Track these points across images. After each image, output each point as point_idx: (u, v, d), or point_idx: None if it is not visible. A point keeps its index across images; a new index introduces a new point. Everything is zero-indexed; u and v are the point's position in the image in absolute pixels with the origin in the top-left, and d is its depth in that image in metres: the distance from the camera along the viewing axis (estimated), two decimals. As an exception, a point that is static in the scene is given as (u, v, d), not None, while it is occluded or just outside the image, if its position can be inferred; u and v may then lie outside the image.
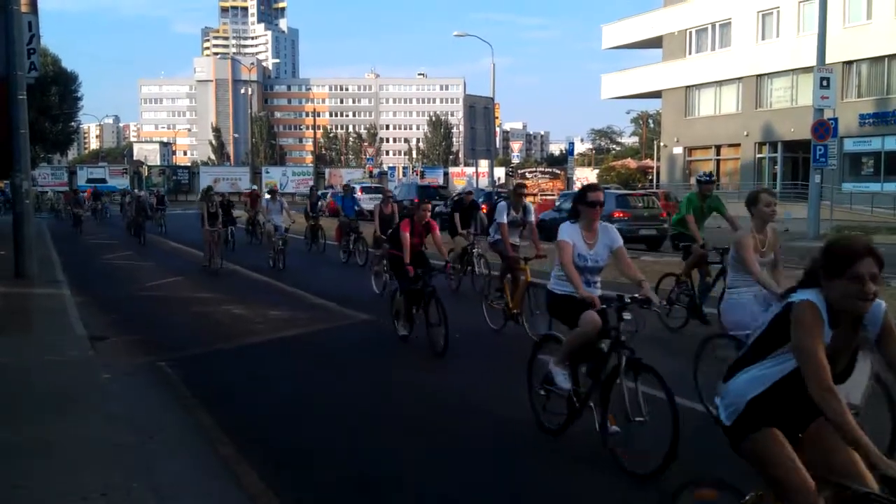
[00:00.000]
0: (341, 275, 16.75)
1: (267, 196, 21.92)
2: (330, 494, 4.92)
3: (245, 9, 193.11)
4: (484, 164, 36.39)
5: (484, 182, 38.75)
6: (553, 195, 36.33)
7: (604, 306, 5.31)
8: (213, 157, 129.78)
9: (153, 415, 6.38)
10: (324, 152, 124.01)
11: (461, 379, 7.76)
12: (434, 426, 6.21)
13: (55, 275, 15.21)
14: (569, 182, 47.04)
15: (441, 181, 55.65)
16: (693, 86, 44.54)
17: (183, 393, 7.18)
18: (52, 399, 6.49)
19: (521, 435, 5.90)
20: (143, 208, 26.42)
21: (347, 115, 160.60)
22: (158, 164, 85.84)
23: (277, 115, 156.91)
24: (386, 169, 76.86)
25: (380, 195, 19.63)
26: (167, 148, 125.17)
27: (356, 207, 18.97)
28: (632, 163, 67.04)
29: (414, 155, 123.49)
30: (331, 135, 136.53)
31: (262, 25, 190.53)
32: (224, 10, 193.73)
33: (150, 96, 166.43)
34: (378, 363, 8.51)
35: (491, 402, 6.80)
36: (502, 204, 10.52)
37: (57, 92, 37.86)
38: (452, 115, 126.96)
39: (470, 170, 50.08)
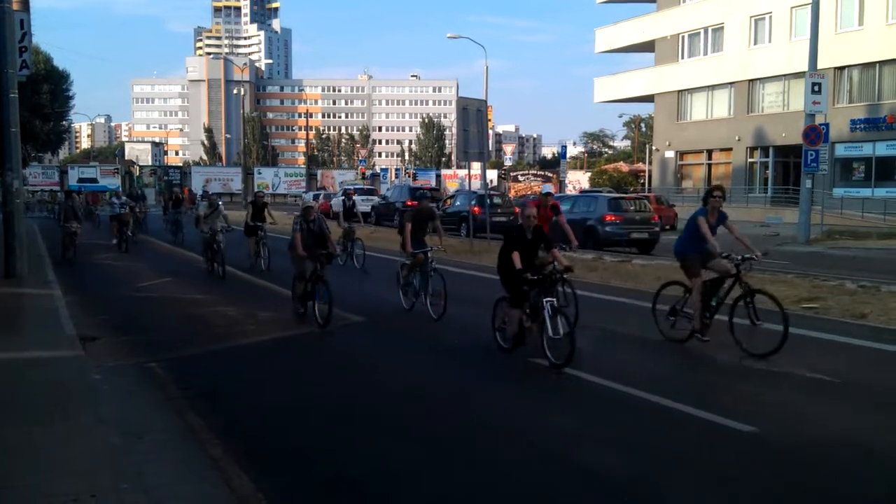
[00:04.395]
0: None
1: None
2: (319, 496, 4.91)
3: (238, 9, 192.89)
4: (476, 167, 36.41)
5: (476, 184, 38.78)
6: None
7: None
8: (204, 157, 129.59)
9: (143, 416, 6.36)
10: (316, 153, 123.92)
11: (458, 379, 7.76)
12: (428, 428, 6.20)
13: (46, 275, 15.14)
14: (561, 185, 47.20)
15: (433, 183, 55.61)
16: (685, 90, 44.69)
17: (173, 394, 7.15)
18: (42, 399, 6.45)
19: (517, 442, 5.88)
20: (259, 229, 15.01)
21: (340, 117, 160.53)
22: (150, 163, 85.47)
23: (270, 115, 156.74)
24: (378, 171, 76.81)
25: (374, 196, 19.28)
26: (159, 148, 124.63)
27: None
28: (624, 166, 67.23)
29: (406, 157, 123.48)
30: (323, 136, 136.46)
31: (254, 25, 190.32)
32: (217, 9, 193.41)
33: (141, 96, 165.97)
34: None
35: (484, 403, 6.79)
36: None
37: (48, 90, 37.45)
38: (445, 117, 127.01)
39: (462, 172, 50.12)
